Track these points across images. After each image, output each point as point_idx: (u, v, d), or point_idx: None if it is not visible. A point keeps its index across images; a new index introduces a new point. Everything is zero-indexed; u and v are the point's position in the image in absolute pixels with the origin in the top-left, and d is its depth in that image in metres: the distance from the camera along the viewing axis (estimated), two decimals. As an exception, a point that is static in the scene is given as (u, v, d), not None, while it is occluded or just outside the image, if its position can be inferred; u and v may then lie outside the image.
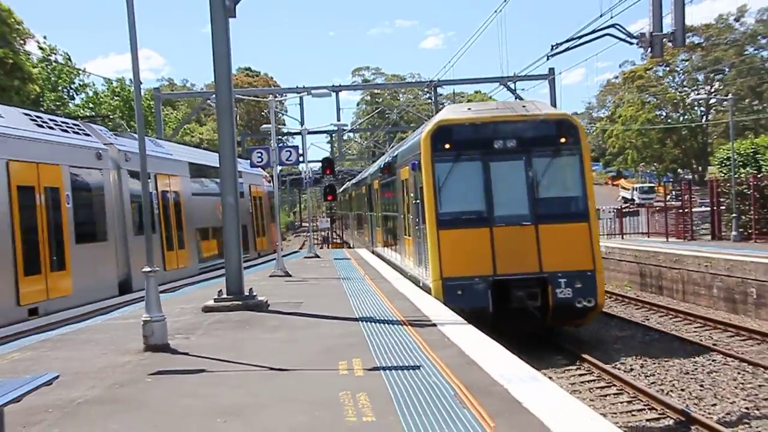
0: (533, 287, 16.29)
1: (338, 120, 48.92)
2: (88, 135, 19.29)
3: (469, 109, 18.36)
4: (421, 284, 17.85)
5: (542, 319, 16.71)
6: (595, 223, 17.02)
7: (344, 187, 57.18)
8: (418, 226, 18.16)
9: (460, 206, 17.08)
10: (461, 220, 16.90)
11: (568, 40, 18.85)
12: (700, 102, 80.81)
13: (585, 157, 17.21)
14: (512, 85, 41.60)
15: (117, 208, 19.64)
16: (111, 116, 38.68)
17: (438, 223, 16.81)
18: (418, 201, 18.08)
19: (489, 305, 16.19)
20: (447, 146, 17.15)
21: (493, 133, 17.13)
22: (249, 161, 24.58)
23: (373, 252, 32.20)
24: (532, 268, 16.40)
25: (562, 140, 17.12)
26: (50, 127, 17.48)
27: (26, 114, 17.41)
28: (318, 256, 31.66)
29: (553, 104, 37.31)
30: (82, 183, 18.06)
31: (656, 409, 12.68)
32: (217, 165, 15.69)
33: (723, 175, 33.32)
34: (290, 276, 21.80)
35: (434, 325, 11.86)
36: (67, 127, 18.57)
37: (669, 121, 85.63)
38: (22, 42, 41.31)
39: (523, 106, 18.19)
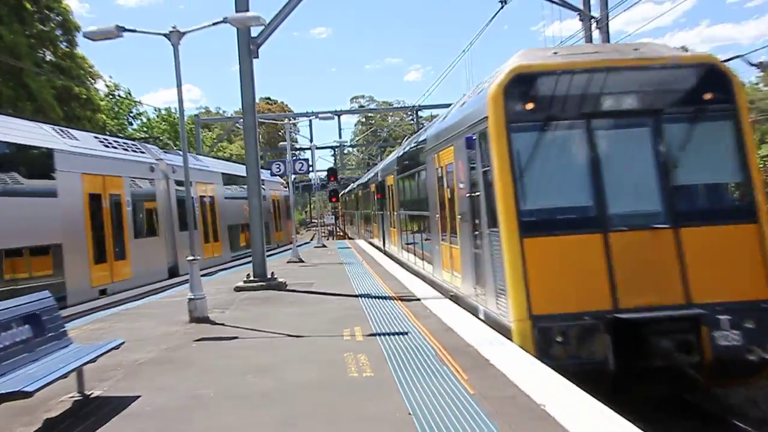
0: (686, 331, 7.77)
1: (340, 138, 49.36)
2: (143, 152, 19.34)
3: (555, 53, 9.53)
4: (481, 314, 9.54)
5: (697, 380, 7.94)
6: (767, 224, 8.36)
7: (348, 189, 56.81)
8: (479, 231, 9.49)
9: (553, 200, 8.46)
10: (557, 222, 8.30)
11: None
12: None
13: (744, 121, 8.72)
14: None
15: (166, 210, 19.69)
16: (160, 137, 38.47)
17: (521, 226, 8.19)
18: (478, 193, 9.42)
19: (609, 360, 7.69)
20: (529, 106, 8.60)
21: (600, 87, 8.66)
22: (269, 171, 24.58)
23: (386, 254, 24.08)
24: (675, 298, 7.97)
25: (708, 96, 8.68)
26: (114, 147, 17.56)
27: (96, 137, 17.52)
28: (325, 246, 31.70)
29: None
30: (138, 190, 18.10)
31: None
32: (244, 174, 15.76)
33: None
34: (303, 262, 21.80)
35: (418, 299, 11.89)
36: (127, 146, 18.64)
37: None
38: (92, 81, 41.26)
39: (635, 49, 9.28)
